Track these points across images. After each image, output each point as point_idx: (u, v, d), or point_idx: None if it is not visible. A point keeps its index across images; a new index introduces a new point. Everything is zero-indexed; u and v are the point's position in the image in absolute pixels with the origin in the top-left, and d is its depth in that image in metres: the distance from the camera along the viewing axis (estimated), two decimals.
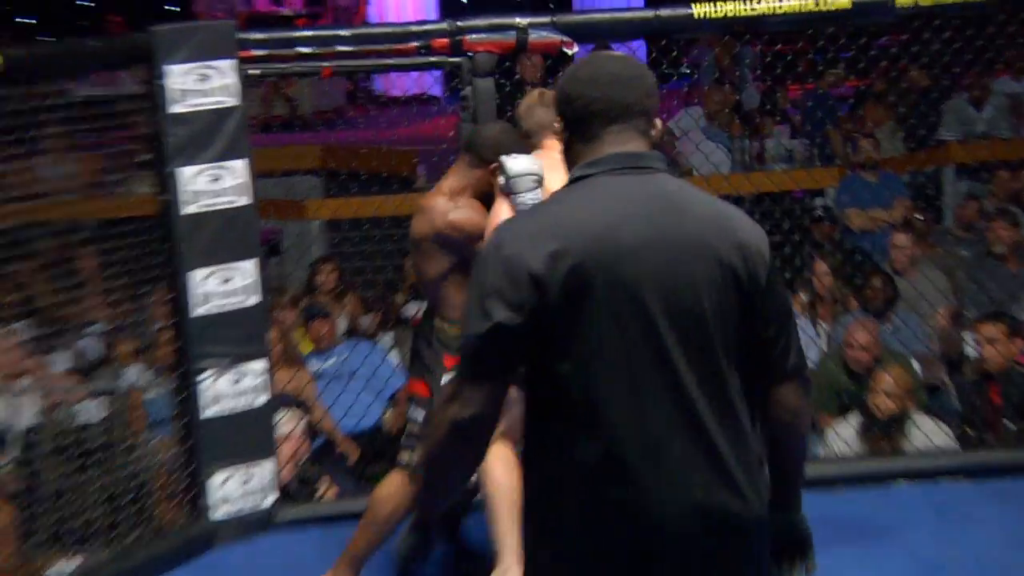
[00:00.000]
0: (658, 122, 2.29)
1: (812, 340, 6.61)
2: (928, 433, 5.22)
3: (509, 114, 6.11)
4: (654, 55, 5.12)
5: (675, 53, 4.99)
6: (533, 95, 3.83)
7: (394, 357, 6.69)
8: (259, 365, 4.61)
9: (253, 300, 4.57)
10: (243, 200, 4.54)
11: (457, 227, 3.74)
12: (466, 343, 2.17)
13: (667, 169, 2.24)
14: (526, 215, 2.34)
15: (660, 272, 2.13)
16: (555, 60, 5.97)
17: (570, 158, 2.29)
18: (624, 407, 2.12)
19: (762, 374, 2.27)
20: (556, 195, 2.27)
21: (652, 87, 2.27)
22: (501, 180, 3.52)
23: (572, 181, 2.25)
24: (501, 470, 3.55)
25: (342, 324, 6.90)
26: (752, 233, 2.22)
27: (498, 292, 2.12)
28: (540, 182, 3.50)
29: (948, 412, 5.87)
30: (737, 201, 8.27)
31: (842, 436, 5.39)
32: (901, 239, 7.12)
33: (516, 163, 3.49)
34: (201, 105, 4.42)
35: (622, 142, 2.23)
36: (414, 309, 7.36)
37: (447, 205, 3.79)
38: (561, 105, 2.28)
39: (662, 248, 2.14)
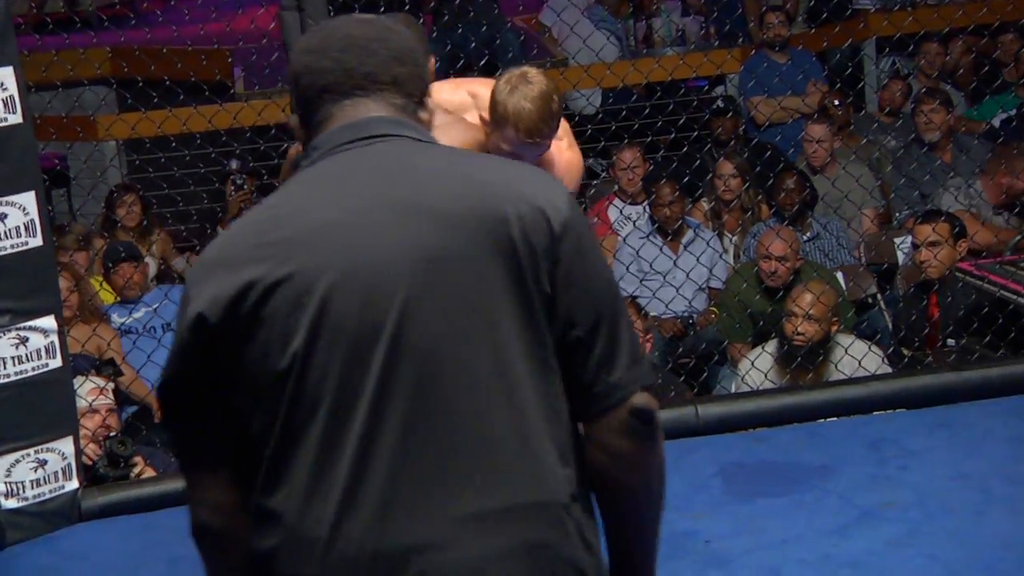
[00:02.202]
0: (430, 102, 2.10)
1: (718, 255, 6.73)
2: (857, 358, 5.36)
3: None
4: None
5: None
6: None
7: None
8: (48, 322, 4.51)
9: (35, 242, 4.46)
10: (14, 118, 4.41)
11: None
12: None
13: (412, 134, 2.03)
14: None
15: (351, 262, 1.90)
16: None
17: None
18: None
19: (578, 399, 1.98)
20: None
21: (405, 51, 2.05)
22: None
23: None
24: None
25: (151, 267, 6.80)
26: (522, 200, 1.94)
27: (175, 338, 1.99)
28: None
29: (879, 331, 6.03)
30: (625, 93, 8.38)
31: (758, 367, 5.51)
32: (817, 131, 7.26)
33: None
34: None
35: (353, 116, 2.03)
36: None
37: None
38: (291, 91, 2.10)
39: (354, 230, 1.92)
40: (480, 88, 3.63)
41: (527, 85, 3.46)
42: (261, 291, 1.90)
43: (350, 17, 2.12)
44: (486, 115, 3.54)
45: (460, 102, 3.67)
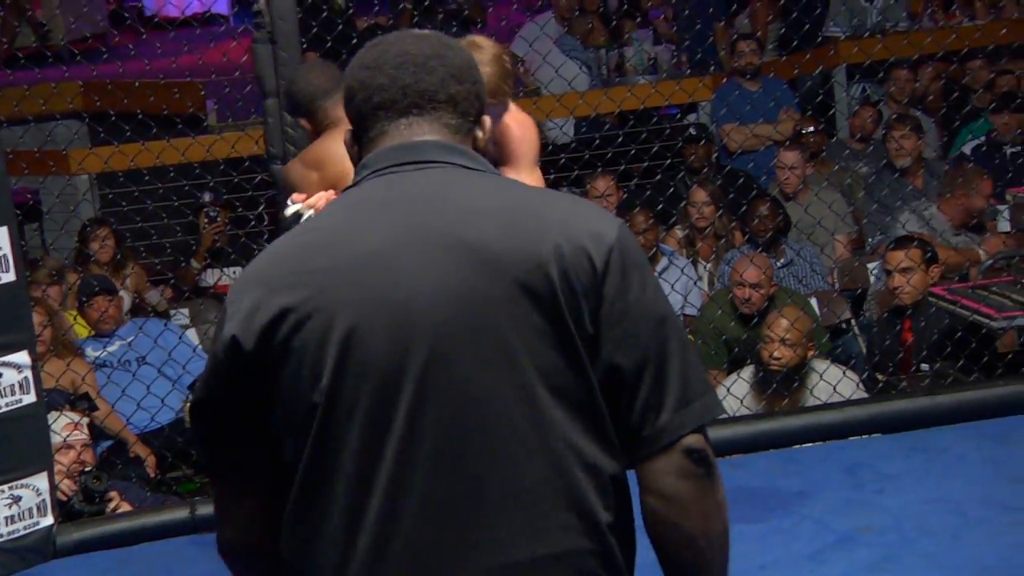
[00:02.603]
0: (486, 120, 2.03)
1: (693, 282, 6.75)
2: (833, 383, 5.38)
3: (313, 31, 6.09)
4: None
5: None
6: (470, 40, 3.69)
7: (192, 336, 6.61)
8: (22, 357, 4.49)
9: (8, 277, 4.45)
10: None
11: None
12: None
13: (463, 162, 1.97)
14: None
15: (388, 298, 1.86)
16: None
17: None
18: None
19: (627, 444, 1.91)
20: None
21: (463, 69, 2.00)
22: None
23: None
24: None
25: (125, 301, 6.79)
26: (564, 237, 1.87)
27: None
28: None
29: (853, 356, 6.06)
30: (597, 122, 8.41)
31: (734, 393, 5.52)
32: (789, 157, 7.29)
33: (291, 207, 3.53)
34: None
35: (406, 137, 1.98)
36: (214, 276, 7.29)
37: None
38: (345, 108, 2.04)
39: (392, 265, 1.87)
40: None
41: (479, 51, 3.51)
42: (293, 322, 1.86)
43: (408, 32, 2.04)
44: None
45: None
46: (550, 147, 8.01)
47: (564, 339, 1.85)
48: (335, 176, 3.57)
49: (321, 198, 3.51)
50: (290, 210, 3.47)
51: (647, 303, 1.89)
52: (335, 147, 3.59)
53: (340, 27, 6.49)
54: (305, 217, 3.41)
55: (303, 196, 3.50)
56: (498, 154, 3.74)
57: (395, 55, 1.97)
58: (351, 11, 7.53)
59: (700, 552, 1.92)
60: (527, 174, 3.73)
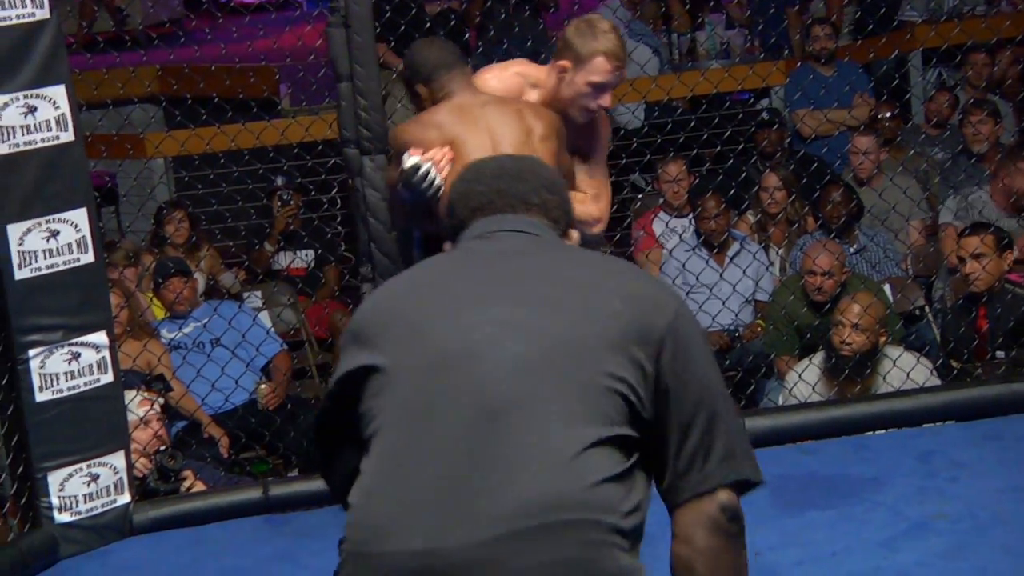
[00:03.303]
0: (574, 234, 2.29)
1: (764, 267, 6.72)
2: (906, 370, 5.33)
3: (387, 15, 6.10)
4: None
5: None
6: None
7: (265, 319, 6.66)
8: (100, 337, 4.54)
9: (87, 258, 4.50)
10: (66, 136, 4.44)
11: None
12: None
13: (548, 236, 2.22)
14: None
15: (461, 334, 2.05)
16: None
17: None
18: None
19: (669, 486, 2.06)
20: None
21: (554, 183, 2.28)
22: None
23: None
24: None
25: (200, 283, 6.85)
26: (644, 288, 2.13)
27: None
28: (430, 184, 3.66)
29: (927, 343, 6.00)
30: (669, 107, 8.38)
31: (805, 379, 5.49)
32: (864, 143, 7.22)
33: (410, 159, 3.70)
34: (2, 20, 4.31)
35: (499, 220, 2.24)
36: (287, 259, 7.33)
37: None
38: (448, 222, 2.30)
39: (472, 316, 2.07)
40: (519, 67, 4.03)
41: (599, 22, 3.88)
42: (369, 363, 2.08)
43: (503, 154, 2.43)
44: (538, 93, 3.90)
45: (511, 84, 3.97)
46: (622, 132, 7.99)
47: (619, 358, 1.99)
48: (451, 135, 3.73)
49: (438, 152, 3.67)
50: (409, 162, 3.67)
51: (704, 364, 2.07)
52: (450, 114, 3.80)
53: (413, 12, 6.49)
54: (424, 168, 3.62)
55: (420, 150, 3.67)
56: (587, 145, 3.92)
57: (492, 169, 2.26)
58: None
59: None
60: (601, 168, 4.04)
